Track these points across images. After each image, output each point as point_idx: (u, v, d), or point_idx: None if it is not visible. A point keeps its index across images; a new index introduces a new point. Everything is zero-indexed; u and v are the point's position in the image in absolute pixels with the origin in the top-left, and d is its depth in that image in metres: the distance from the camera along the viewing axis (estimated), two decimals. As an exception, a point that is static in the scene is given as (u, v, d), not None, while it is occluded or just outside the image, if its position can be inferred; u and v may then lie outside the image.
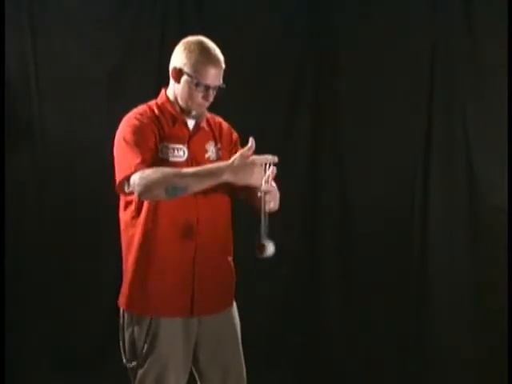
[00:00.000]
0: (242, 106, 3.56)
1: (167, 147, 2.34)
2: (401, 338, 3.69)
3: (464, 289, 3.63)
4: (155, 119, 2.36)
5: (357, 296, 3.76)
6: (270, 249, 2.30)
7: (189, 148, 2.38)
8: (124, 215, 2.41)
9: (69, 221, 3.76)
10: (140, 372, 2.37)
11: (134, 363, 2.37)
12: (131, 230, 2.37)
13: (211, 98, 2.38)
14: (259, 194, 2.25)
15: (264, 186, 2.23)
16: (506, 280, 3.27)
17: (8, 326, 3.42)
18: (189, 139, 2.40)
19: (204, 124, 2.45)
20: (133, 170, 2.23)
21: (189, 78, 2.33)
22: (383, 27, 3.63)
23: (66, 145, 3.73)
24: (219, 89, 2.38)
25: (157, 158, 2.30)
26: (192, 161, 2.37)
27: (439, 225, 3.65)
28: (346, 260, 3.79)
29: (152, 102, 2.45)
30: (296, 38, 3.74)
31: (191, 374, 2.51)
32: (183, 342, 2.39)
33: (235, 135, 2.56)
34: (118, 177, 2.30)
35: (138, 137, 2.29)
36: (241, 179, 2.18)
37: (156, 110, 2.40)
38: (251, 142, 2.20)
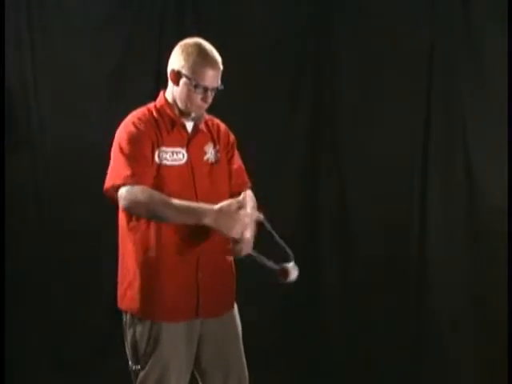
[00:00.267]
0: (242, 106, 3.56)
1: (166, 152, 2.34)
2: (401, 338, 3.69)
3: (464, 289, 3.63)
4: (154, 123, 2.36)
5: (357, 296, 3.76)
6: (295, 273, 2.32)
7: (188, 151, 2.38)
8: (122, 219, 2.41)
9: (69, 221, 3.76)
10: (141, 374, 2.38)
11: (138, 366, 2.38)
12: (129, 233, 2.37)
13: (210, 100, 2.38)
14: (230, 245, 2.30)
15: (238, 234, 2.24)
16: (506, 280, 3.27)
17: (8, 325, 3.42)
18: (188, 142, 2.40)
19: (202, 126, 2.46)
20: (121, 181, 2.26)
21: (187, 80, 2.33)
22: (383, 27, 3.63)
23: (66, 145, 3.74)
24: (218, 90, 2.38)
25: (154, 165, 2.31)
26: (191, 164, 2.37)
27: (439, 225, 3.64)
28: (346, 260, 3.79)
29: (151, 105, 2.44)
30: (296, 38, 3.73)
31: (193, 375, 2.51)
32: (185, 344, 2.39)
33: (232, 137, 2.56)
34: (107, 183, 2.33)
35: (134, 146, 2.30)
36: (221, 228, 2.19)
37: (155, 114, 2.40)
38: (243, 196, 2.23)
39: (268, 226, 2.34)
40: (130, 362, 2.41)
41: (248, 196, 2.46)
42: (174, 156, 2.35)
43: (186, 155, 2.37)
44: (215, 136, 2.48)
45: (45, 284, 3.78)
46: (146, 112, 2.40)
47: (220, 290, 2.44)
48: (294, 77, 3.77)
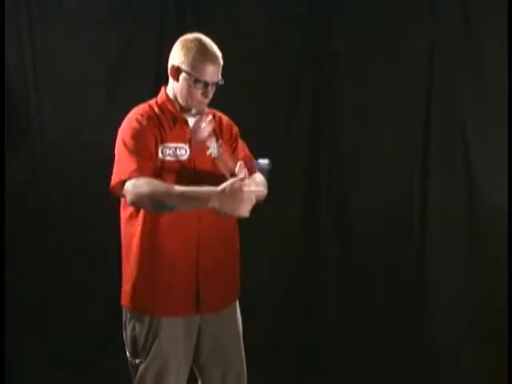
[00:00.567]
0: (242, 106, 3.55)
1: (169, 147, 2.35)
2: (401, 337, 3.68)
3: (464, 289, 3.63)
4: (156, 119, 2.37)
5: (357, 296, 3.76)
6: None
7: (190, 146, 2.38)
8: (123, 213, 2.42)
9: (68, 221, 3.77)
10: (141, 368, 2.39)
11: (137, 360, 2.38)
12: (130, 228, 2.38)
13: (210, 95, 2.38)
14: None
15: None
16: (506, 280, 3.27)
17: (8, 326, 3.42)
18: (190, 137, 2.40)
19: None
20: (127, 176, 2.25)
21: (187, 76, 2.33)
22: (383, 27, 3.63)
23: (66, 145, 3.74)
24: (218, 86, 2.38)
25: (158, 160, 2.31)
26: (194, 159, 2.37)
27: (439, 225, 3.64)
28: (346, 260, 3.79)
29: (152, 101, 2.45)
30: (296, 37, 3.73)
31: (191, 371, 2.51)
32: (184, 339, 2.40)
33: (235, 129, 2.56)
34: (114, 179, 2.32)
35: (138, 141, 2.30)
36: (227, 209, 2.12)
37: (156, 110, 2.40)
38: (243, 172, 2.17)
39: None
40: (128, 356, 2.42)
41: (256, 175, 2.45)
42: (176, 152, 2.35)
43: (188, 151, 2.37)
44: (217, 130, 2.48)
45: (45, 284, 3.78)
46: (148, 108, 2.41)
47: (221, 286, 2.44)
48: (294, 77, 3.77)
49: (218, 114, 2.55)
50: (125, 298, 2.43)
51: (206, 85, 2.33)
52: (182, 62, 2.33)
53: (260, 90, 3.69)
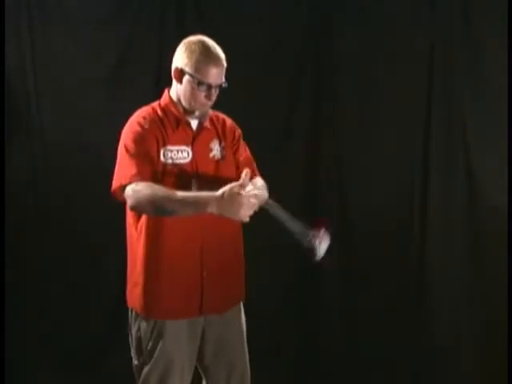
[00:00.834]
0: (242, 106, 3.55)
1: (171, 150, 2.34)
2: (401, 337, 3.68)
3: (464, 289, 3.63)
4: (159, 122, 2.36)
5: (357, 296, 3.76)
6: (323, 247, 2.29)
7: (193, 149, 2.38)
8: (128, 217, 2.43)
9: (68, 221, 3.77)
10: (145, 369, 2.39)
11: (142, 361, 2.38)
12: (135, 230, 2.39)
13: (214, 97, 2.37)
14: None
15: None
16: (506, 280, 3.27)
17: (8, 325, 3.42)
18: (193, 140, 2.40)
19: (207, 123, 2.45)
20: (127, 181, 2.25)
21: (190, 78, 2.32)
22: (383, 27, 3.63)
23: (66, 145, 3.74)
24: (222, 87, 2.37)
25: (159, 164, 2.31)
26: (196, 162, 2.37)
27: (439, 225, 3.64)
28: (346, 260, 3.79)
29: (155, 104, 2.44)
30: (296, 37, 3.73)
31: (195, 370, 2.52)
32: (189, 341, 2.41)
33: (238, 131, 2.56)
34: (114, 183, 2.32)
35: (139, 145, 2.30)
36: (226, 213, 2.10)
37: (160, 112, 2.40)
38: (244, 177, 2.12)
39: (275, 211, 2.26)
40: (133, 357, 2.42)
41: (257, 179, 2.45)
42: (178, 154, 2.35)
43: (190, 153, 2.37)
44: (220, 132, 2.48)
45: (45, 284, 3.78)
46: (151, 111, 2.40)
47: (225, 288, 2.45)
48: (294, 77, 3.77)
49: (222, 115, 2.55)
50: (130, 300, 2.44)
51: (210, 87, 2.33)
52: (186, 64, 2.33)
53: (260, 90, 3.69)
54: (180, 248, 2.34)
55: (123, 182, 2.27)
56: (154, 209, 2.22)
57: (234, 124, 2.57)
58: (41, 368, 3.74)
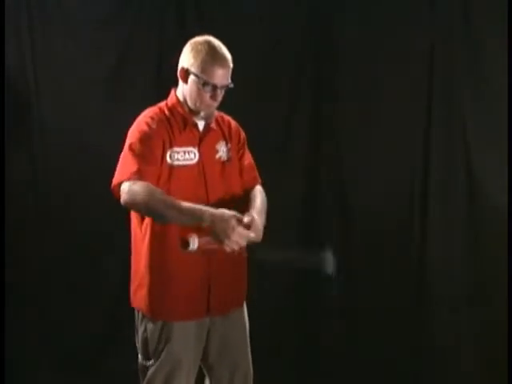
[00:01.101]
0: (242, 106, 3.55)
1: (178, 152, 2.34)
2: (401, 337, 3.68)
3: (464, 289, 3.63)
4: (166, 123, 2.36)
5: (357, 296, 3.76)
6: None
7: (199, 150, 2.38)
8: (133, 217, 2.42)
9: (68, 221, 3.76)
10: (150, 370, 2.39)
11: (148, 362, 2.38)
12: (140, 232, 2.38)
13: (219, 98, 2.36)
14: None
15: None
16: (506, 280, 3.27)
17: (8, 325, 3.42)
18: (199, 141, 2.39)
19: (214, 124, 2.44)
20: (126, 177, 2.24)
21: (196, 79, 2.32)
22: (383, 27, 3.63)
23: (66, 145, 3.74)
24: (228, 88, 2.36)
25: (165, 165, 2.30)
26: (203, 163, 2.37)
27: (439, 225, 3.64)
28: (346, 260, 3.78)
29: (162, 104, 2.44)
30: (296, 37, 3.73)
31: (198, 370, 2.52)
32: (195, 340, 2.41)
33: (243, 135, 2.56)
34: (114, 180, 2.31)
35: (144, 145, 2.29)
36: (217, 233, 2.13)
37: (167, 112, 2.39)
38: (249, 218, 2.20)
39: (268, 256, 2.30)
40: (140, 357, 2.42)
41: (258, 195, 2.46)
42: (185, 156, 2.35)
43: (197, 154, 2.37)
44: (226, 134, 2.48)
45: (45, 284, 3.78)
46: (158, 111, 2.39)
47: (230, 289, 2.45)
48: (294, 77, 3.77)
49: (227, 117, 2.54)
50: (136, 301, 2.43)
51: (215, 88, 2.32)
52: (192, 65, 2.32)
53: (260, 90, 3.69)
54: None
55: (122, 179, 2.26)
56: (147, 209, 2.22)
57: (239, 126, 2.56)
58: (41, 368, 3.74)
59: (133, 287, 2.45)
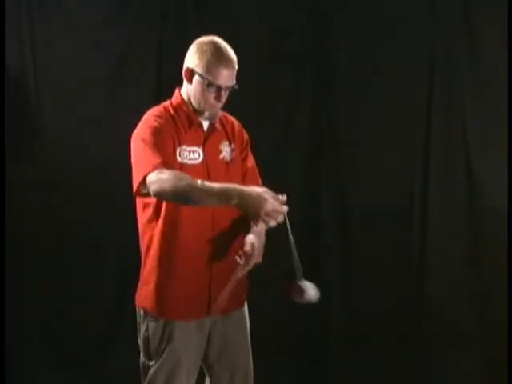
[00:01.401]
0: (242, 106, 3.54)
1: (186, 150, 2.33)
2: (400, 337, 3.69)
3: (464, 289, 3.63)
4: (172, 121, 2.34)
5: (357, 296, 3.76)
6: (311, 292, 2.25)
7: (204, 150, 2.37)
8: (142, 217, 2.40)
9: (68, 221, 3.76)
10: (152, 369, 2.39)
11: (150, 362, 2.38)
12: (149, 232, 2.37)
13: (224, 99, 2.35)
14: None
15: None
16: (506, 280, 3.27)
17: (8, 325, 3.42)
18: (204, 141, 2.39)
19: (218, 124, 2.44)
20: (150, 169, 2.19)
21: (201, 79, 2.30)
22: (383, 27, 3.63)
23: (66, 145, 3.73)
24: (233, 89, 2.35)
25: (176, 163, 2.29)
26: (207, 163, 2.36)
27: (439, 225, 3.64)
28: (346, 260, 3.79)
29: (167, 103, 2.42)
30: (296, 37, 3.73)
31: (199, 370, 2.52)
32: (196, 340, 2.41)
33: (246, 136, 2.54)
34: (137, 178, 2.24)
35: (158, 139, 2.26)
36: (249, 209, 2.10)
37: (172, 111, 2.37)
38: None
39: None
40: (141, 356, 2.42)
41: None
42: (191, 155, 2.34)
43: (201, 154, 2.36)
44: (230, 134, 2.47)
45: (45, 283, 3.78)
46: (163, 110, 2.38)
47: (232, 289, 2.44)
48: (294, 77, 3.77)
49: (230, 117, 2.54)
50: (140, 299, 2.43)
51: (219, 89, 2.31)
52: (197, 65, 2.31)
53: (260, 90, 3.69)
54: (192, 248, 2.34)
55: (147, 171, 2.20)
56: (177, 196, 2.17)
57: (242, 128, 2.55)
58: (41, 368, 3.74)
59: (139, 285, 2.46)
